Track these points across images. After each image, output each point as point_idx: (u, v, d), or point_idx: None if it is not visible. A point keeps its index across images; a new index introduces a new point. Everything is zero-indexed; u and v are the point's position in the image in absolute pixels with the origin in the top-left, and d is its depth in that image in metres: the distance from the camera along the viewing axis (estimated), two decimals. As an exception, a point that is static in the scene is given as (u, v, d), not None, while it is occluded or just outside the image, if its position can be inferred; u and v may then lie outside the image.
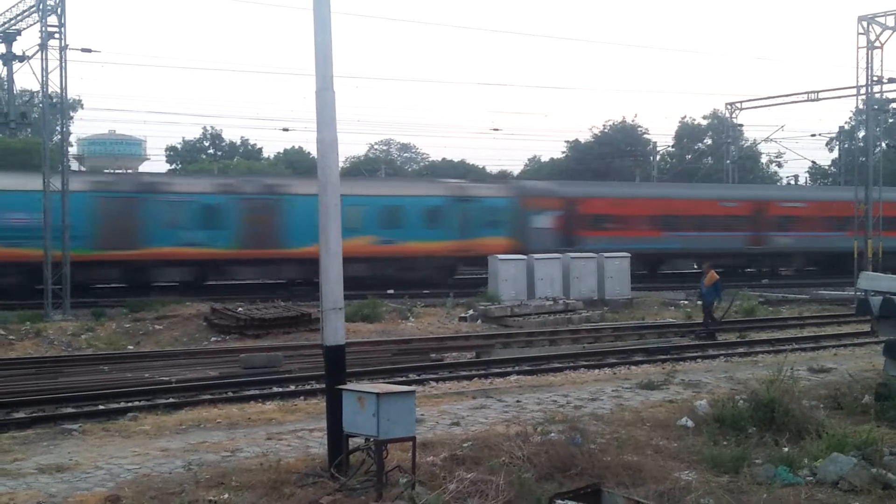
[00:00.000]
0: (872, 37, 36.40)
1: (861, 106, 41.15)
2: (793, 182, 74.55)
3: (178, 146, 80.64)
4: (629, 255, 35.22)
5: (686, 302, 33.03)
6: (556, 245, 37.86)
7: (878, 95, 38.30)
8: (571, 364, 19.61)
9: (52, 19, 28.71)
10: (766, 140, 60.56)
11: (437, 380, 17.55)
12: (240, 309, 25.90)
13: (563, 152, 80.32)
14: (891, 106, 40.90)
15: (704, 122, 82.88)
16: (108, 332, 24.78)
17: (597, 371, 18.76)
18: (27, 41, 47.22)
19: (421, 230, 37.52)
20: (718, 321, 25.60)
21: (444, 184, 42.37)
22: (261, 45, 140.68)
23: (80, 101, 65.93)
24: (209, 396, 15.63)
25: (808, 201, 47.34)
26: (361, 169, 71.53)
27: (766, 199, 46.71)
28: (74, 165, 59.37)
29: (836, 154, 75.50)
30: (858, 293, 28.43)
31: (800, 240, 45.08)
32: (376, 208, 36.75)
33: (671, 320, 28.95)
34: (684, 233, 41.80)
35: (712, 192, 48.15)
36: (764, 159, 79.92)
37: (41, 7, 28.73)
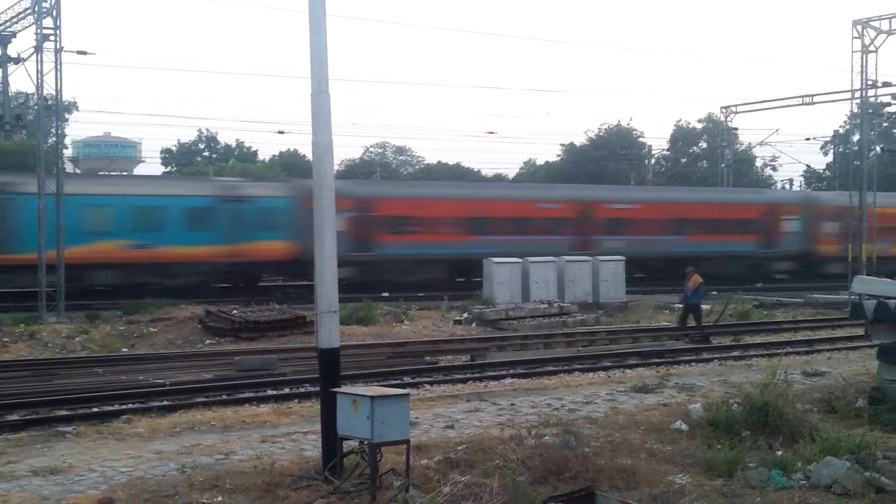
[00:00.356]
0: (867, 41, 36.51)
1: (856, 110, 41.18)
2: (787, 186, 74.69)
3: (174, 149, 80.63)
4: (623, 259, 35.25)
5: (680, 306, 33.04)
6: (349, 250, 34.19)
7: (872, 99, 38.43)
8: (566, 367, 19.61)
9: (48, 21, 28.72)
10: (761, 144, 60.78)
11: (431, 383, 17.54)
12: (234, 311, 25.91)
13: (559, 155, 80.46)
14: (885, 110, 41.08)
15: (699, 126, 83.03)
16: (103, 334, 24.77)
17: (591, 374, 18.77)
18: (22, 43, 47.27)
19: (183, 234, 33.89)
20: (699, 325, 25.68)
21: (211, 182, 37.99)
22: (256, 47, 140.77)
23: (75, 103, 65.62)
24: (203, 399, 15.60)
25: (641, 203, 44.10)
26: (357, 172, 71.52)
27: (592, 201, 42.73)
28: (69, 168, 59.39)
29: (830, 158, 75.67)
30: (852, 297, 28.48)
31: (632, 244, 40.72)
32: (129, 209, 33.11)
33: (666, 324, 28.97)
34: (498, 237, 37.95)
35: (529, 193, 44.85)
36: (759, 163, 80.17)
37: (36, 9, 28.73)
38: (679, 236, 42.25)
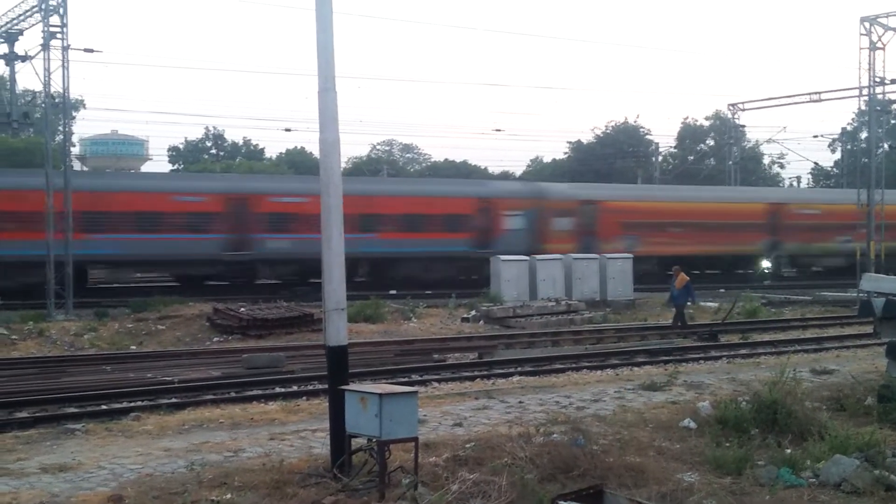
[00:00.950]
0: (875, 38, 36.39)
1: (863, 107, 41.10)
2: (795, 184, 74.49)
3: (181, 146, 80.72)
4: (630, 256, 35.19)
5: (689, 303, 32.96)
6: None
7: (880, 96, 38.32)
8: (574, 365, 19.61)
9: (55, 19, 28.83)
10: (769, 141, 60.72)
11: (439, 380, 17.55)
12: (242, 309, 25.95)
13: (566, 153, 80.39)
14: (893, 107, 40.96)
15: (707, 123, 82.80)
16: (111, 332, 24.85)
17: (599, 372, 18.76)
18: (29, 41, 47.29)
19: None
20: (687, 325, 25.74)
21: None
22: (263, 45, 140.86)
23: (82, 101, 65.96)
24: (212, 396, 15.65)
25: (315, 195, 39.01)
26: (364, 169, 71.52)
27: (251, 193, 36.85)
28: (77, 165, 59.55)
29: (838, 155, 75.49)
30: (861, 295, 28.42)
31: (302, 243, 33.58)
32: None
33: (673, 321, 28.92)
34: (118, 234, 32.35)
35: (165, 184, 38.37)
36: (766, 160, 79.95)
37: (43, 7, 28.80)
38: (370, 234, 36.52)
